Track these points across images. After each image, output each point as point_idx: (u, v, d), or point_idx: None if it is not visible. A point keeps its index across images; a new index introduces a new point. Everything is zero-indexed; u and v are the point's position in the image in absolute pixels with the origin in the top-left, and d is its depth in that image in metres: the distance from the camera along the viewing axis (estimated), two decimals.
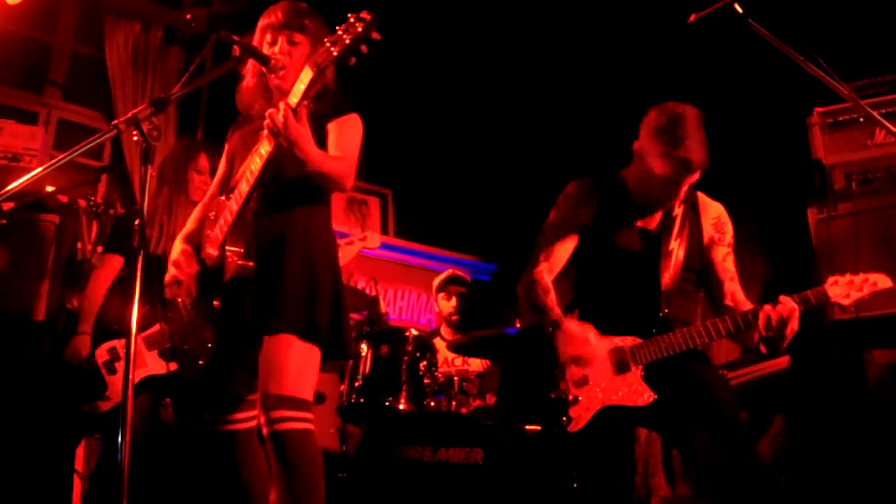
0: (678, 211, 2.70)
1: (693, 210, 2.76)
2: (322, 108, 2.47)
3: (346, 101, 2.55)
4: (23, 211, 3.84)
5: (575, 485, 3.18)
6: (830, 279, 2.42)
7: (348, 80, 2.55)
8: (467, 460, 3.46)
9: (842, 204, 3.57)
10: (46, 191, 3.95)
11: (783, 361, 4.11)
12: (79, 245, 4.15)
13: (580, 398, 2.48)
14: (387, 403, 3.73)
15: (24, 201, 3.83)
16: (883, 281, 2.40)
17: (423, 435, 3.55)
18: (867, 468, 3.19)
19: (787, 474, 3.87)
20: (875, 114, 2.32)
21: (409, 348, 3.85)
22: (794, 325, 2.35)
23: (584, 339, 2.50)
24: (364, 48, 2.19)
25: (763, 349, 2.45)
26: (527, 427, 2.51)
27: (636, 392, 2.46)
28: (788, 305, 2.34)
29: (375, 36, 2.18)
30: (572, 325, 2.52)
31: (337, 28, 2.19)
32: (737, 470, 2.34)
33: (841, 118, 3.66)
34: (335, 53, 2.17)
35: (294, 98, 2.25)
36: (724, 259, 2.72)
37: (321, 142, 2.44)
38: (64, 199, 4.06)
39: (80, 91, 5.82)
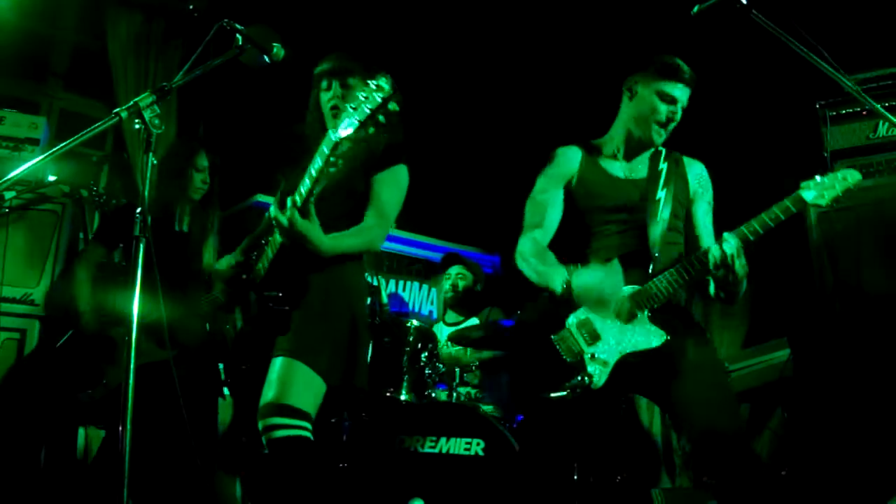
0: (664, 165, 2.75)
1: (678, 164, 2.81)
2: (369, 158, 2.52)
3: (393, 151, 2.62)
4: (25, 200, 3.84)
5: (576, 476, 3.19)
6: (802, 184, 2.45)
7: None
8: (468, 451, 3.48)
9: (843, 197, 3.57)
10: (49, 180, 3.96)
11: (783, 355, 4.12)
12: (81, 235, 4.16)
13: (596, 354, 2.49)
14: (388, 394, 3.74)
15: (26, 190, 3.84)
16: (852, 175, 2.43)
17: (425, 425, 3.56)
18: (866, 461, 3.19)
19: (786, 467, 3.88)
20: (878, 106, 2.31)
21: (411, 339, 3.86)
22: (741, 260, 2.39)
23: (599, 276, 2.50)
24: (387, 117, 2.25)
25: (721, 295, 2.51)
26: (551, 395, 2.51)
27: (648, 334, 2.48)
28: (732, 241, 2.38)
29: (396, 106, 2.24)
30: (584, 274, 2.52)
31: (360, 94, 2.22)
32: (735, 452, 2.35)
33: (843, 111, 3.66)
34: (357, 122, 2.22)
35: (301, 192, 2.32)
36: (705, 215, 2.78)
37: (364, 191, 2.58)
38: (66, 188, 4.07)
39: (82, 81, 5.82)
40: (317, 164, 2.31)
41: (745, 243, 2.41)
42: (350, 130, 2.22)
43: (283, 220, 2.33)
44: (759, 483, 2.31)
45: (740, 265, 2.39)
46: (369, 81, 2.20)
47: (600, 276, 2.49)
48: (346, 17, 5.57)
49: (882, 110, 2.32)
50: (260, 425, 2.39)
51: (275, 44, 2.43)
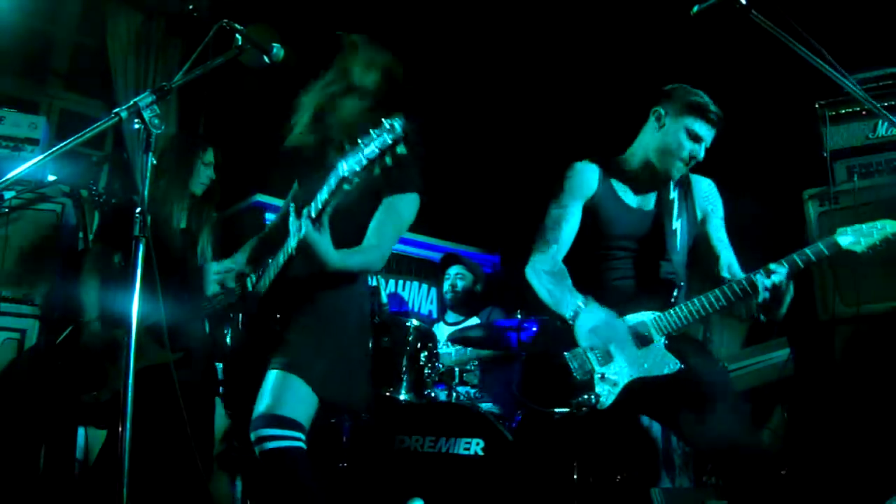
0: (674, 194, 2.77)
1: (686, 192, 2.82)
2: (381, 181, 2.50)
3: (407, 179, 2.63)
4: (24, 200, 3.84)
5: (576, 476, 3.19)
6: (839, 230, 2.45)
7: None
8: (468, 451, 3.48)
9: (843, 197, 3.57)
10: (48, 180, 3.95)
11: (783, 354, 4.12)
12: (81, 235, 4.15)
13: (606, 375, 2.50)
14: (387, 394, 3.74)
15: (25, 190, 3.84)
16: (891, 225, 2.42)
17: (424, 425, 3.56)
18: (866, 461, 3.19)
19: (786, 467, 3.88)
20: (878, 106, 2.31)
21: (411, 339, 3.85)
22: (789, 291, 2.41)
23: (604, 319, 2.53)
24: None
25: (763, 315, 2.50)
26: (555, 411, 2.52)
27: (661, 362, 2.48)
28: (780, 273, 2.39)
29: (404, 149, 2.23)
30: (596, 307, 2.55)
31: (373, 132, 2.19)
32: (744, 459, 2.36)
33: (843, 110, 3.66)
34: (365, 160, 2.19)
35: (316, 205, 2.32)
36: (718, 230, 2.80)
37: (371, 213, 2.59)
38: (66, 188, 4.06)
39: (82, 81, 5.81)
40: (323, 195, 2.30)
41: (767, 273, 2.41)
42: (356, 169, 2.20)
43: (296, 229, 2.34)
44: (763, 479, 2.33)
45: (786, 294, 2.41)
46: (384, 120, 2.18)
47: (604, 322, 2.52)
48: (347, 17, 5.56)
49: (881, 110, 2.32)
50: (252, 436, 2.38)
51: (274, 44, 2.43)
